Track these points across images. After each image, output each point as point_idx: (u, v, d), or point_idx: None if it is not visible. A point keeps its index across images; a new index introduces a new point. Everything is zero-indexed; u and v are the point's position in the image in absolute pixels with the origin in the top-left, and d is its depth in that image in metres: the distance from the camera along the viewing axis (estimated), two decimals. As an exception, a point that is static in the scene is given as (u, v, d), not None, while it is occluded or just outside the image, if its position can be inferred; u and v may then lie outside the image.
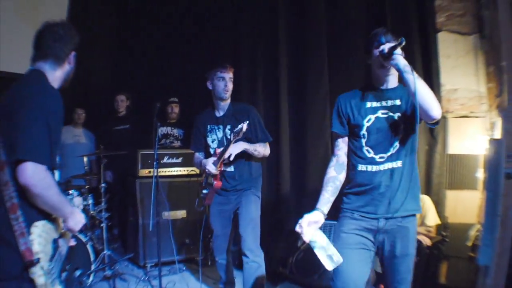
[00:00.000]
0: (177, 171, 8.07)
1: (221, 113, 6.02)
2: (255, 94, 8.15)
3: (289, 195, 7.75)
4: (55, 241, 3.15)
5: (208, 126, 6.04)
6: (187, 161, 8.05)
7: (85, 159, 7.65)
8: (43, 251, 2.97)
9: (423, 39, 6.89)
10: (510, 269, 5.17)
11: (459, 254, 6.35)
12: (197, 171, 7.85)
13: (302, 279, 6.71)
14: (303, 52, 7.86)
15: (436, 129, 6.66)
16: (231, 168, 5.90)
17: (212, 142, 5.99)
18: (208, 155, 6.01)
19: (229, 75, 5.96)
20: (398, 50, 3.55)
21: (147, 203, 7.31)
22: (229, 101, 6.03)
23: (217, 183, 5.79)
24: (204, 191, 6.01)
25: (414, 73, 3.45)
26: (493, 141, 5.59)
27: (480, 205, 6.34)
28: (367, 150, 3.84)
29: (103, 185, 7.26)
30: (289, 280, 6.86)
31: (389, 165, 3.78)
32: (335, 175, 3.96)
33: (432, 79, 6.70)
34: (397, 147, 3.78)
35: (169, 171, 7.98)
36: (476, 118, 6.69)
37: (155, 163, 6.44)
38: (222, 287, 6.25)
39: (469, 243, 6.21)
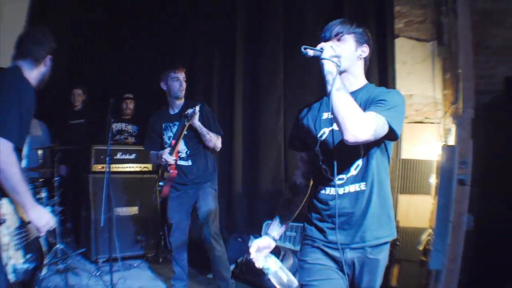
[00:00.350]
0: (130, 167, 8.00)
1: (176, 111, 6.17)
2: (210, 94, 8.19)
3: (241, 196, 7.78)
4: (21, 219, 3.47)
5: (163, 125, 6.16)
6: (141, 158, 8.00)
7: (39, 152, 7.54)
8: (10, 215, 3.33)
9: (381, 44, 6.94)
10: (461, 274, 5.27)
11: (410, 257, 6.44)
12: (150, 167, 7.84)
13: (252, 279, 6.72)
14: (259, 52, 7.90)
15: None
16: (188, 162, 6.04)
17: (169, 139, 6.07)
18: None
19: (182, 75, 6.19)
20: (328, 52, 2.92)
21: (100, 199, 7.24)
22: (183, 99, 6.23)
23: (173, 172, 5.92)
24: (161, 184, 6.08)
25: (335, 83, 2.85)
26: (447, 148, 5.68)
27: (432, 210, 6.42)
28: (324, 170, 3.27)
29: (56, 179, 7.16)
30: (239, 279, 6.85)
31: (351, 188, 3.19)
32: (289, 198, 3.58)
33: (388, 85, 6.76)
34: (360, 166, 3.19)
35: (122, 167, 7.91)
36: (431, 124, 6.79)
37: (107, 158, 6.41)
38: (174, 283, 6.23)
39: (421, 247, 6.29)
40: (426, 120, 6.85)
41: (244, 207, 7.69)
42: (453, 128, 5.90)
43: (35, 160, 7.57)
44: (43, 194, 6.89)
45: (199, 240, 6.93)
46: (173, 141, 5.91)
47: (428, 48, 6.89)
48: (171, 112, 6.20)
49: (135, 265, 7.62)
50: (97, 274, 6.97)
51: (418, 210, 6.66)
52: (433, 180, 6.53)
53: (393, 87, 6.82)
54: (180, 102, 6.19)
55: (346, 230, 3.21)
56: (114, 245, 6.87)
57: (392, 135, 2.95)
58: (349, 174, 3.19)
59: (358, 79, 3.27)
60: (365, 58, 3.29)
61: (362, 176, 3.18)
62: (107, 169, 6.40)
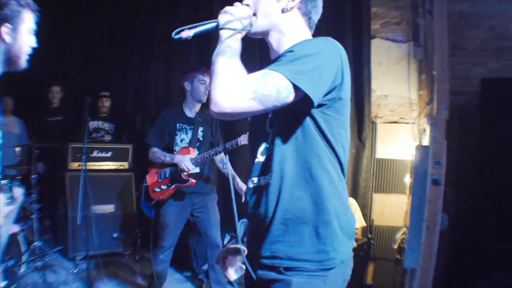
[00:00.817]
0: (106, 165, 8.00)
1: (194, 114, 6.06)
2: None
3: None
4: None
5: (178, 125, 6.01)
6: (117, 156, 8.01)
7: (17, 149, 7.52)
8: None
9: (357, 45, 6.98)
10: (437, 273, 5.34)
11: (385, 256, 6.52)
12: (126, 165, 7.84)
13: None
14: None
15: (364, 134, 6.81)
16: (197, 169, 5.88)
17: (181, 141, 5.96)
18: (169, 152, 5.97)
19: (208, 79, 5.95)
20: (224, 19, 2.35)
21: (76, 196, 7.19)
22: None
23: (192, 181, 5.76)
24: (163, 187, 5.93)
25: (217, 48, 2.28)
26: (421, 148, 5.75)
27: (407, 209, 6.50)
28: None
29: (34, 176, 7.14)
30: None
31: (260, 181, 2.47)
32: None
33: (363, 85, 6.83)
34: (266, 150, 2.47)
35: (98, 165, 7.90)
36: (406, 124, 6.86)
37: (84, 157, 6.39)
38: (152, 282, 6.19)
39: (396, 246, 6.36)
40: (401, 120, 6.93)
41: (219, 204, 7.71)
42: (428, 129, 5.96)
43: (13, 157, 7.55)
44: (21, 192, 6.87)
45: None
46: (192, 149, 5.83)
47: (404, 49, 6.96)
48: (188, 114, 6.05)
49: (112, 262, 7.62)
50: (75, 271, 6.95)
51: (393, 209, 6.74)
52: (407, 179, 6.61)
53: (369, 87, 6.89)
54: (199, 106, 6.04)
55: (254, 238, 2.51)
56: (92, 242, 6.87)
57: (303, 98, 2.16)
58: (256, 160, 2.52)
59: (291, 37, 2.46)
60: (301, 11, 2.51)
61: (267, 164, 2.43)
62: (84, 167, 6.39)
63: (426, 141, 6.09)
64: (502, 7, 6.74)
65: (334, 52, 2.27)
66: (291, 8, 2.46)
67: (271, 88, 2.08)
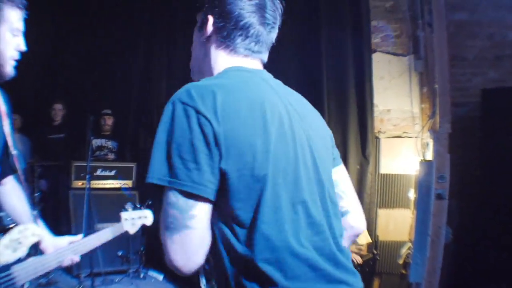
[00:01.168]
0: (110, 183, 7.99)
1: None
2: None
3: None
4: None
5: None
6: (121, 174, 7.99)
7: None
8: None
9: (358, 59, 6.94)
10: (441, 286, 5.34)
11: (391, 271, 6.50)
12: (130, 184, 7.84)
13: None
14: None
15: (368, 150, 6.79)
16: None
17: None
18: None
19: None
20: None
21: (80, 214, 7.21)
22: None
23: None
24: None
25: None
26: (424, 163, 5.76)
27: (411, 224, 6.48)
28: None
29: (37, 194, 7.14)
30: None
31: None
32: None
33: (365, 100, 6.81)
34: None
35: (102, 184, 7.89)
36: (409, 139, 6.84)
37: (87, 176, 6.40)
38: None
39: (401, 261, 6.35)
40: (404, 135, 6.90)
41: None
42: (431, 143, 5.97)
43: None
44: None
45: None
46: None
47: (404, 63, 6.94)
48: None
49: (116, 280, 7.60)
50: (79, 288, 6.97)
51: (398, 224, 6.71)
52: (411, 194, 6.59)
53: (371, 102, 6.85)
54: None
55: None
56: (96, 260, 6.87)
57: None
58: None
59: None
60: (218, 33, 2.03)
61: None
62: (87, 186, 6.39)
63: (429, 155, 6.09)
64: (499, 15, 6.75)
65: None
66: (207, 36, 2.06)
67: None
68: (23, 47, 2.72)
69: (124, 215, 3.71)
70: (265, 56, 2.10)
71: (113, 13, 9.50)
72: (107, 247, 7.36)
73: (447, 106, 5.72)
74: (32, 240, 2.93)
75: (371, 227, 6.70)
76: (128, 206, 3.82)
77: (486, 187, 5.96)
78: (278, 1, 2.06)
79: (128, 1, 9.26)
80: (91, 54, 9.63)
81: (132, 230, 3.68)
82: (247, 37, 2.00)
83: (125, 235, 7.27)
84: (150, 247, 7.46)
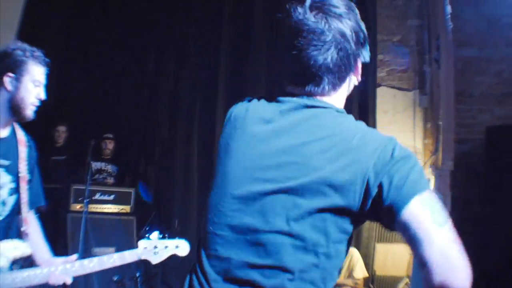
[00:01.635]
0: (108, 208, 7.93)
1: None
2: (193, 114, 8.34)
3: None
4: None
5: None
6: (120, 199, 7.92)
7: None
8: None
9: (362, 93, 6.89)
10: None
11: (387, 305, 6.44)
12: (128, 210, 7.79)
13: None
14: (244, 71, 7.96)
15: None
16: None
17: None
18: None
19: None
20: None
21: (78, 238, 7.16)
22: None
23: None
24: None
25: None
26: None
27: (409, 259, 6.43)
28: None
29: (36, 215, 7.10)
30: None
31: None
32: None
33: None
34: None
35: (100, 208, 7.82)
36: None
37: (85, 201, 6.36)
38: None
39: (398, 296, 6.29)
40: (405, 170, 6.86)
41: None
42: (432, 179, 5.92)
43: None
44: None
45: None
46: None
47: (409, 98, 6.91)
48: None
49: (111, 306, 7.56)
50: (74, 314, 6.90)
51: (396, 258, 6.67)
52: (411, 229, 6.53)
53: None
54: None
55: None
56: (91, 284, 6.82)
57: None
58: None
59: None
60: None
61: None
62: (85, 210, 6.36)
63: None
64: (510, 51, 6.72)
65: None
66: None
67: None
68: (43, 96, 3.20)
69: (144, 243, 3.63)
70: None
71: (121, 35, 9.53)
72: (103, 272, 7.34)
73: (451, 143, 5.67)
74: (14, 253, 3.12)
75: (369, 261, 6.65)
76: (153, 234, 3.69)
77: (487, 225, 5.91)
78: None
79: (135, 26, 9.29)
80: (96, 76, 9.65)
81: (155, 260, 3.65)
82: None
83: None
84: (146, 273, 7.40)
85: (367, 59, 2.02)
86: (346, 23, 1.83)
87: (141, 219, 7.45)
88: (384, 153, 1.73)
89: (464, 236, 4.68)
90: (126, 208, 7.79)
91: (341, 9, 1.84)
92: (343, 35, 1.83)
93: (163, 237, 3.70)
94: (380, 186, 1.69)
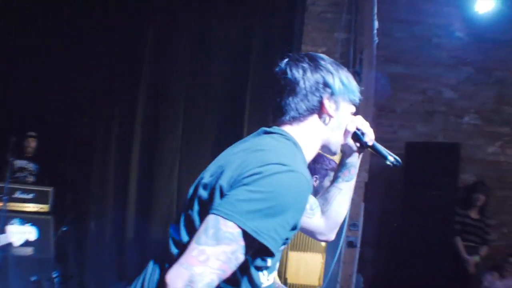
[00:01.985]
0: (27, 207, 7.85)
1: None
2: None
3: (133, 243, 7.75)
4: None
5: None
6: (39, 198, 7.86)
7: None
8: None
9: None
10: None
11: (299, 314, 6.49)
12: (46, 209, 7.73)
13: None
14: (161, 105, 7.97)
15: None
16: None
17: None
18: None
19: None
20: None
21: (-4, 236, 7.11)
22: None
23: None
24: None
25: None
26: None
27: (322, 268, 6.50)
28: None
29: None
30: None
31: None
32: None
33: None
34: None
35: (20, 206, 7.75)
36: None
37: (4, 198, 6.30)
38: None
39: (309, 306, 6.35)
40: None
41: (134, 254, 7.66)
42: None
43: None
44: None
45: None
46: None
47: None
48: None
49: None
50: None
51: (308, 267, 6.71)
52: (324, 240, 6.59)
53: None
54: None
55: None
56: (7, 286, 6.74)
57: None
58: None
59: None
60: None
61: None
62: (4, 208, 6.30)
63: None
64: (436, 71, 6.87)
65: None
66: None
67: None
68: None
69: (11, 228, 4.47)
70: None
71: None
72: (20, 272, 7.26)
73: (366, 155, 5.76)
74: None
75: (281, 269, 6.68)
76: (15, 221, 4.70)
77: (402, 237, 6.02)
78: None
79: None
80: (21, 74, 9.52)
81: (18, 242, 4.48)
82: None
83: (32, 256, 7.20)
84: (63, 275, 7.35)
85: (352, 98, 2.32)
86: (307, 74, 2.15)
87: (58, 219, 7.41)
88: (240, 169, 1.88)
89: (379, 247, 4.79)
90: (45, 207, 7.73)
91: (305, 63, 2.18)
92: (298, 82, 2.15)
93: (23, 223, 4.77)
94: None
